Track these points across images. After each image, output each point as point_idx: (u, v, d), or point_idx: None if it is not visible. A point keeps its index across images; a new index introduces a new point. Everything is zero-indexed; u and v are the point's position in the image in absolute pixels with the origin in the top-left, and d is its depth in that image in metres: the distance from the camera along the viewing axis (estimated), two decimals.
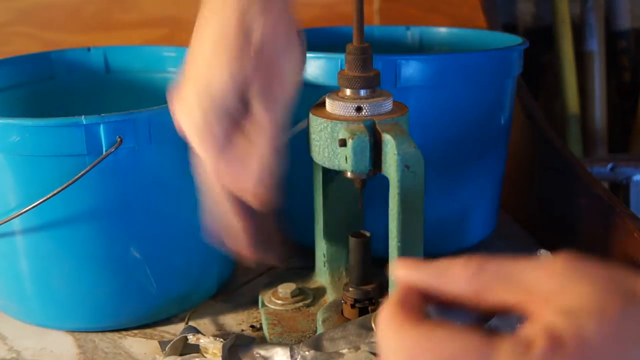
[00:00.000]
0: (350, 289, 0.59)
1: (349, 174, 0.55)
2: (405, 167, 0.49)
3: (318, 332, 0.59)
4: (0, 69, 0.76)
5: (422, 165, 0.50)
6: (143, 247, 0.63)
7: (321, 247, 0.66)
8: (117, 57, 0.81)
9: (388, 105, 0.54)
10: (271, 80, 0.51)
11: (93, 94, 0.79)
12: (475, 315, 0.34)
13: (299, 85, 0.53)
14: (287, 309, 0.65)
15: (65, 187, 0.57)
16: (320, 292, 0.67)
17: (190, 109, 0.51)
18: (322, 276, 0.67)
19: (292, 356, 0.54)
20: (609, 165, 0.88)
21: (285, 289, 0.65)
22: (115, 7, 1.09)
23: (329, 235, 0.65)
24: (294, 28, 0.52)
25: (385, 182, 0.52)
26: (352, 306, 0.59)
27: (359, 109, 0.53)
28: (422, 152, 0.50)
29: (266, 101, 0.51)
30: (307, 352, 0.54)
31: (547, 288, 0.32)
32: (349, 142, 0.51)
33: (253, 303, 0.69)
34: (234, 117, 0.51)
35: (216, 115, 0.50)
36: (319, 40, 0.87)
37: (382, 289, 0.60)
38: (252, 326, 0.66)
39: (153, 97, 0.78)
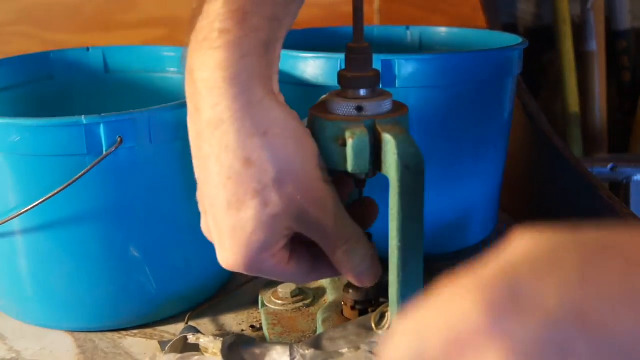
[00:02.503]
0: (350, 290, 0.59)
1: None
2: (405, 166, 0.49)
3: (318, 332, 0.59)
4: None
5: (422, 165, 0.50)
6: (143, 247, 0.63)
7: None
8: (116, 57, 0.81)
9: (388, 104, 0.54)
10: (314, 207, 0.47)
11: (92, 94, 0.79)
12: None
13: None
14: (287, 309, 0.65)
15: (65, 187, 0.57)
16: (320, 292, 0.66)
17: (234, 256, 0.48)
18: None
19: (291, 355, 0.54)
20: (609, 165, 0.88)
21: (285, 289, 0.65)
22: (114, 7, 1.09)
23: None
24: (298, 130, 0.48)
25: (385, 181, 0.52)
26: (352, 308, 0.59)
27: (358, 109, 0.53)
28: (422, 151, 0.50)
29: (323, 214, 0.47)
30: (306, 351, 0.54)
31: None
32: (349, 142, 0.51)
33: (253, 303, 0.69)
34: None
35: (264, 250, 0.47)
36: (319, 40, 0.87)
37: (382, 290, 0.60)
38: (252, 326, 0.66)
39: (152, 97, 0.78)
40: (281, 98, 0.50)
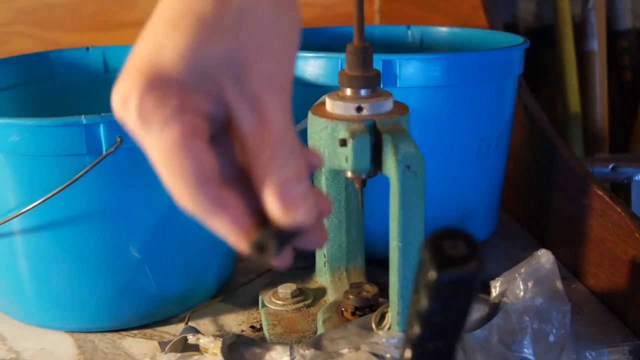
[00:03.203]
0: (351, 296, 0.59)
1: (349, 174, 0.55)
2: (405, 167, 0.49)
3: (318, 333, 0.59)
4: None
5: (423, 165, 0.50)
6: (143, 247, 0.62)
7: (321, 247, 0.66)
8: (116, 57, 0.80)
9: (388, 105, 0.54)
10: (266, 58, 0.36)
11: (92, 94, 0.79)
12: None
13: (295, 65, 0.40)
14: (287, 309, 0.64)
15: (65, 187, 0.57)
16: (320, 292, 0.66)
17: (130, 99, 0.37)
18: (322, 276, 0.67)
19: (291, 355, 0.54)
20: (610, 165, 0.88)
21: (285, 289, 0.65)
22: (114, 6, 1.09)
23: (329, 236, 0.65)
24: None
25: (385, 181, 0.52)
26: (353, 314, 0.59)
27: (359, 109, 0.53)
28: (422, 152, 0.50)
29: (271, 87, 0.37)
30: (306, 351, 0.53)
31: None
32: (350, 142, 0.51)
33: (253, 303, 0.69)
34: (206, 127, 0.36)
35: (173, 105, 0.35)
36: (319, 40, 0.87)
37: (382, 294, 0.60)
38: (252, 327, 0.66)
39: None
40: None
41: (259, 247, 0.37)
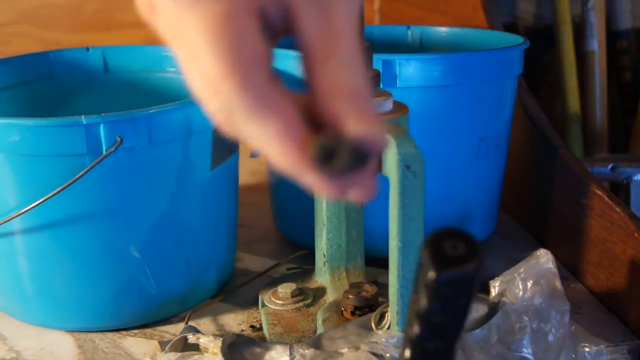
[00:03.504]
0: (351, 296, 0.60)
1: None
2: (405, 167, 0.49)
3: (318, 332, 0.59)
4: None
5: (423, 165, 0.50)
6: (143, 247, 0.63)
7: (321, 247, 0.66)
8: (116, 57, 0.81)
9: (388, 105, 0.54)
10: None
11: (92, 94, 0.79)
12: None
13: None
14: (287, 309, 0.64)
15: (65, 187, 0.57)
16: (320, 292, 0.66)
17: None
18: (322, 276, 0.67)
19: (291, 355, 0.54)
20: (610, 165, 0.88)
21: (285, 289, 0.65)
22: (114, 6, 1.09)
23: (329, 235, 0.65)
24: None
25: (385, 181, 0.52)
26: (352, 313, 0.59)
27: None
28: (422, 152, 0.50)
29: None
30: (306, 351, 0.53)
31: None
32: None
33: (253, 303, 0.69)
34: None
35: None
36: None
37: (382, 294, 0.60)
38: (252, 326, 0.66)
39: (152, 97, 0.78)
40: None
41: (327, 153, 0.30)
